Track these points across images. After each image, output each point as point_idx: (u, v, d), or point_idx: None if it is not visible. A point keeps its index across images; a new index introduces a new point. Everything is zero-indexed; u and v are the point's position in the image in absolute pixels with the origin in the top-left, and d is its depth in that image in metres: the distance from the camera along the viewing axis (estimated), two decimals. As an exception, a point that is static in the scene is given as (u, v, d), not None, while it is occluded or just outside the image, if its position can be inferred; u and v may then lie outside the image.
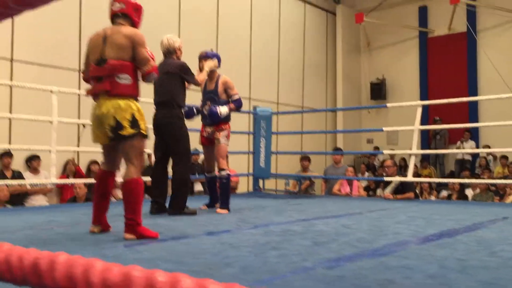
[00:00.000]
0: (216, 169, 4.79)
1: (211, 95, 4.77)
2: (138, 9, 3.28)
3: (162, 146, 4.42)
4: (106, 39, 3.04)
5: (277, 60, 11.40)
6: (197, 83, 4.47)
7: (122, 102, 2.94)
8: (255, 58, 10.71)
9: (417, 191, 8.02)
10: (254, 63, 10.69)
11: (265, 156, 7.18)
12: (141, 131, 2.98)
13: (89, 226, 3.25)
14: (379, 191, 9.27)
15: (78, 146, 7.39)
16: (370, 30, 13.17)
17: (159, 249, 2.62)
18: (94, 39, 3.12)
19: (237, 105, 4.79)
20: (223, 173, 4.65)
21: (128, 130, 2.92)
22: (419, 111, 6.41)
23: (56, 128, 5.20)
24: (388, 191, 6.78)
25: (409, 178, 6.34)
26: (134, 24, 3.22)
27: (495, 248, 2.65)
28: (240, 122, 9.44)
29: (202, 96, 4.91)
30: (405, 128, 7.26)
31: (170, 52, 4.50)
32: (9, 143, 6.68)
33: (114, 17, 3.21)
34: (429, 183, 8.91)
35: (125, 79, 2.97)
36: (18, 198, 6.51)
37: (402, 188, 6.57)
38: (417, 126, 6.40)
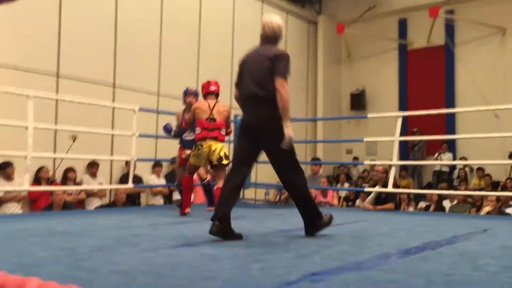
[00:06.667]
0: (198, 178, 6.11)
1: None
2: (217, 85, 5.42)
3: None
4: (212, 107, 5.13)
5: (258, 69, 11.38)
6: None
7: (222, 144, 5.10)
8: (236, 66, 10.66)
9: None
10: (235, 72, 10.63)
11: (245, 165, 7.10)
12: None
13: (65, 236, 3.14)
14: (358, 202, 9.28)
15: (54, 152, 7.24)
16: (351, 41, 13.27)
17: (137, 261, 2.53)
18: (204, 104, 5.20)
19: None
20: (205, 181, 5.95)
21: (224, 161, 5.02)
22: (399, 122, 6.44)
23: (32, 134, 5.04)
24: (368, 201, 6.78)
25: (389, 189, 6.34)
26: (218, 96, 5.33)
27: (478, 261, 2.63)
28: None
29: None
30: (385, 139, 7.30)
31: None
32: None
33: (209, 93, 5.27)
34: (408, 194, 8.95)
35: (223, 131, 5.16)
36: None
37: (383, 199, 6.57)
38: (397, 137, 6.43)
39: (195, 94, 5.95)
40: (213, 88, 5.27)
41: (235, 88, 3.76)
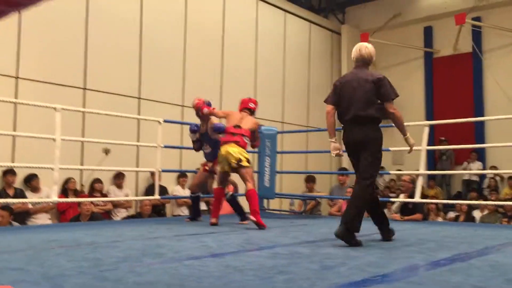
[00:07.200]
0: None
1: (206, 137, 5.75)
2: (256, 104, 5.68)
3: None
4: (242, 118, 5.39)
5: (282, 79, 11.39)
6: None
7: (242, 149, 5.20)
8: (260, 76, 10.70)
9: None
10: (259, 82, 10.67)
11: (270, 176, 7.08)
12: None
13: (91, 247, 3.17)
14: (385, 212, 9.14)
15: (81, 164, 7.35)
16: (375, 50, 13.15)
17: (161, 272, 2.53)
18: (236, 113, 5.49)
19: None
20: (229, 195, 5.63)
21: (245, 163, 5.14)
22: (426, 131, 6.33)
23: (59, 146, 5.12)
24: (394, 210, 6.67)
25: (417, 199, 6.22)
26: (254, 113, 5.60)
27: (511, 274, 2.54)
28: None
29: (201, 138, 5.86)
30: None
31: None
32: (12, 161, 6.62)
33: (246, 108, 5.54)
34: (436, 204, 8.78)
35: (246, 139, 5.29)
36: (20, 216, 6.43)
37: (410, 209, 6.46)
38: (424, 147, 6.30)
39: (209, 105, 5.94)
40: (252, 105, 5.57)
41: (327, 104, 4.07)
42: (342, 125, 4.00)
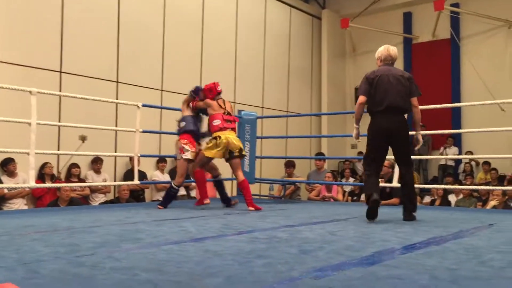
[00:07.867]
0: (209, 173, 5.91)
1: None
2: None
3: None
4: (224, 102, 5.57)
5: (262, 64, 11.35)
6: None
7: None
8: (240, 61, 10.64)
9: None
10: (239, 67, 10.61)
11: (249, 161, 7.09)
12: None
13: (68, 232, 3.13)
14: (363, 197, 9.25)
15: (58, 149, 7.24)
16: (355, 35, 13.19)
17: (139, 257, 2.51)
18: (215, 103, 5.48)
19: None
20: (219, 177, 5.86)
21: (244, 152, 5.54)
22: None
23: (35, 130, 5.02)
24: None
25: (395, 183, 6.30)
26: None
27: (484, 256, 2.60)
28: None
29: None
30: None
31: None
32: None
33: (218, 93, 5.56)
34: (413, 189, 8.89)
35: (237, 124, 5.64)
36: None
37: (388, 193, 6.54)
38: (402, 132, 6.36)
39: (197, 92, 5.84)
40: (220, 88, 5.64)
41: (362, 96, 4.41)
42: (370, 114, 4.42)
